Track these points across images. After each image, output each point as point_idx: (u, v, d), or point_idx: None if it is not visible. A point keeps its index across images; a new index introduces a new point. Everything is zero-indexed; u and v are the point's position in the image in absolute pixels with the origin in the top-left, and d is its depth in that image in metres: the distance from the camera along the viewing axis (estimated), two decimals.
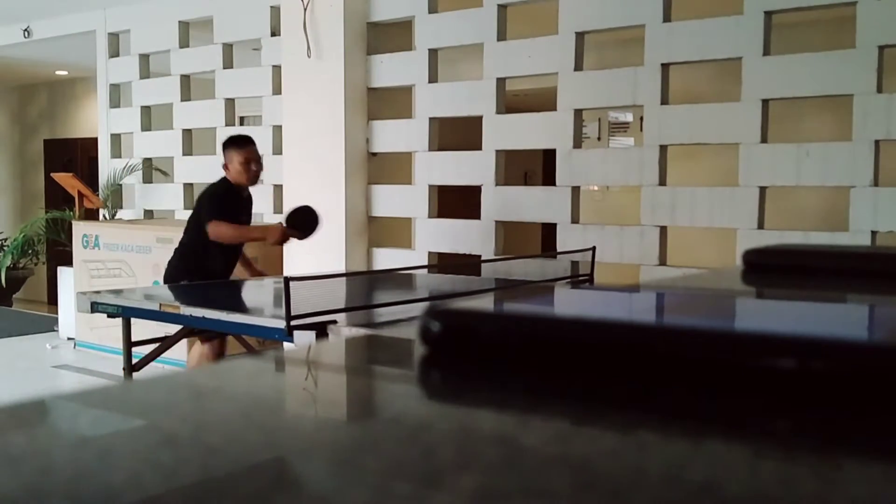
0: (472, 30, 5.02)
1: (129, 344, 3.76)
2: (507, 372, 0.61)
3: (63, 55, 8.76)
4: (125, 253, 6.08)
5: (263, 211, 5.89)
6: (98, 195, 7.08)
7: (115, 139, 7.38)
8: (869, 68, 3.81)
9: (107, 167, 7.34)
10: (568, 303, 0.86)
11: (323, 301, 3.25)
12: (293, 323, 2.83)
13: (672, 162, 4.53)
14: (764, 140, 4.13)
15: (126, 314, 3.66)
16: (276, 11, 5.74)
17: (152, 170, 7.15)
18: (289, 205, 5.50)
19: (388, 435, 0.50)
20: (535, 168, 8.20)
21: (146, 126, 7.09)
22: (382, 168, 5.50)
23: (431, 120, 5.23)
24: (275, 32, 5.87)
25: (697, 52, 4.31)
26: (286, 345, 2.93)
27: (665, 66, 4.39)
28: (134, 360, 3.79)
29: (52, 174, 7.66)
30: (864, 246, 3.50)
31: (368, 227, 5.48)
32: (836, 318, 0.81)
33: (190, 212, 4.57)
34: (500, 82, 4.96)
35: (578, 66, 4.68)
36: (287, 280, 2.88)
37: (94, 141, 7.77)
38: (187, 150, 6.72)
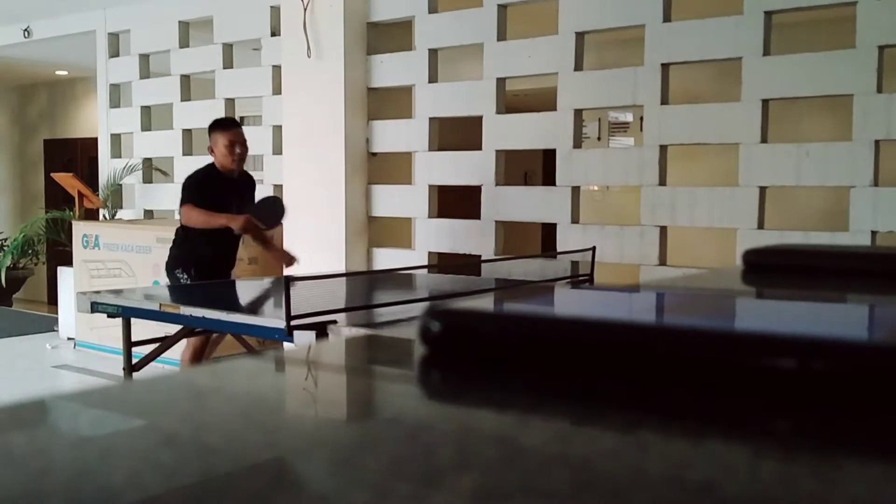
0: (472, 30, 5.02)
1: (129, 344, 3.76)
2: (507, 372, 0.61)
3: (63, 55, 8.76)
4: (125, 253, 6.08)
5: None
6: (98, 195, 7.09)
7: (115, 139, 7.38)
8: (869, 68, 3.81)
9: (107, 167, 7.34)
10: (568, 303, 0.86)
11: (323, 301, 3.25)
12: (293, 323, 2.83)
13: (672, 162, 4.53)
14: (764, 140, 4.13)
15: (126, 314, 3.66)
16: (276, 11, 5.74)
17: (152, 170, 7.15)
18: (289, 204, 5.52)
19: (388, 435, 0.50)
20: (535, 168, 8.20)
21: (146, 126, 7.09)
22: (382, 168, 5.50)
23: (431, 120, 5.23)
24: (275, 32, 5.87)
25: (697, 52, 4.31)
26: (286, 345, 2.93)
27: (665, 66, 4.39)
28: (134, 360, 3.79)
29: (52, 174, 7.66)
30: (864, 246, 3.50)
31: (368, 227, 5.48)
32: (836, 318, 0.81)
33: None
34: (500, 82, 4.96)
35: (578, 66, 4.68)
36: (287, 280, 2.88)
37: (94, 141, 7.77)
38: (187, 150, 6.72)
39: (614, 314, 0.76)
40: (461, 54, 5.47)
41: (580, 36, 4.67)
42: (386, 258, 5.40)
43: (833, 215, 4.75)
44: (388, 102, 5.48)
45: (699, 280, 1.33)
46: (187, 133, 6.71)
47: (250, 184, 4.51)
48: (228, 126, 4.33)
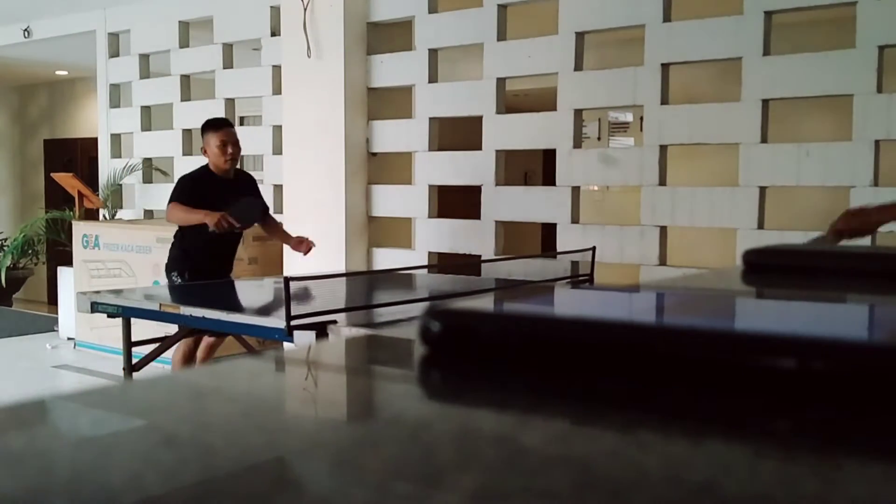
0: (472, 30, 5.02)
1: (129, 344, 3.76)
2: (507, 372, 0.61)
3: (63, 55, 8.76)
4: (125, 253, 6.08)
5: None
6: (98, 195, 7.09)
7: (115, 139, 7.38)
8: (869, 68, 3.81)
9: (107, 167, 7.34)
10: (568, 303, 0.86)
11: (323, 301, 3.25)
12: (293, 323, 2.84)
13: (672, 162, 4.53)
14: (764, 140, 4.13)
15: (126, 314, 3.66)
16: (276, 11, 5.74)
17: (152, 170, 7.15)
18: (289, 204, 5.53)
19: (388, 435, 0.50)
20: (535, 168, 8.20)
21: (146, 126, 7.09)
22: (382, 168, 5.50)
23: (431, 120, 5.23)
24: (275, 32, 5.87)
25: (697, 52, 4.31)
26: (286, 345, 2.93)
27: (665, 66, 4.39)
28: (134, 360, 3.79)
29: (52, 174, 7.66)
30: (864, 246, 3.50)
31: (368, 227, 5.48)
32: (836, 318, 0.81)
33: None
34: (500, 82, 4.96)
35: (578, 66, 4.68)
36: (287, 280, 2.88)
37: (94, 141, 7.77)
38: (187, 150, 6.72)
39: (614, 314, 0.76)
40: (461, 54, 5.47)
41: (580, 36, 4.67)
42: (386, 258, 5.40)
43: (833, 215, 4.73)
44: (388, 102, 5.48)
45: (699, 280, 1.33)
46: (187, 133, 6.71)
47: (251, 184, 4.50)
48: (220, 126, 4.31)
